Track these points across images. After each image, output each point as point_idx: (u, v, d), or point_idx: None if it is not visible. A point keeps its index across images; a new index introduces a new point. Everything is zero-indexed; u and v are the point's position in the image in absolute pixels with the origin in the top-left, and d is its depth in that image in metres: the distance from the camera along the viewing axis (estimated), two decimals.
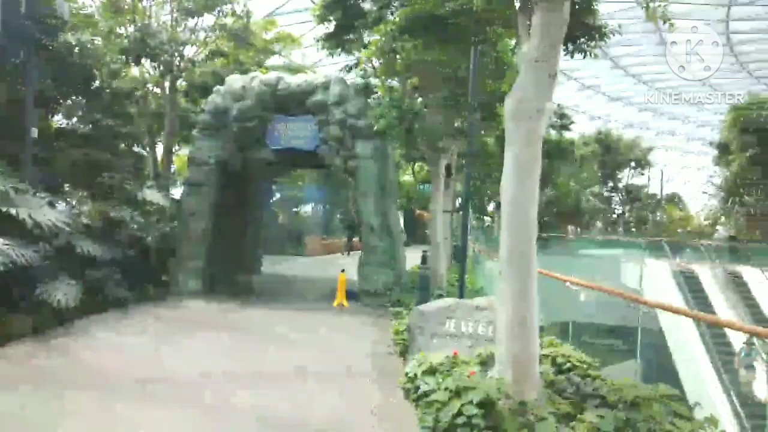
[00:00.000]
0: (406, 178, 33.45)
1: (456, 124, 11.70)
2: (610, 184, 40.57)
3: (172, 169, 22.43)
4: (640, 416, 4.55)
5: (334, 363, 7.86)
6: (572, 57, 5.89)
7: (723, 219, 42.63)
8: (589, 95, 49.85)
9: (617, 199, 41.81)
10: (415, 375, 6.12)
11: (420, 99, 12.54)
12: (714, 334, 15.32)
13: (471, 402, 4.68)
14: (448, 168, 13.95)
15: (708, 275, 20.29)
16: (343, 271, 13.33)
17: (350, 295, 12.93)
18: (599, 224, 43.13)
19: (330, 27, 12.56)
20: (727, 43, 37.80)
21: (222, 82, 14.91)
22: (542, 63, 4.93)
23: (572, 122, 33.11)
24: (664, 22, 4.94)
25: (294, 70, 19.51)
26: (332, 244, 28.45)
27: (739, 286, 18.92)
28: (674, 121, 59.07)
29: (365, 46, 11.55)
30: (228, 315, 11.28)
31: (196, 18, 17.31)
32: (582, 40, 5.72)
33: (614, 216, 42.84)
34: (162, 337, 9.03)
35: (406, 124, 10.77)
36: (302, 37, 21.61)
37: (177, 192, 19.61)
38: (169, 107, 17.25)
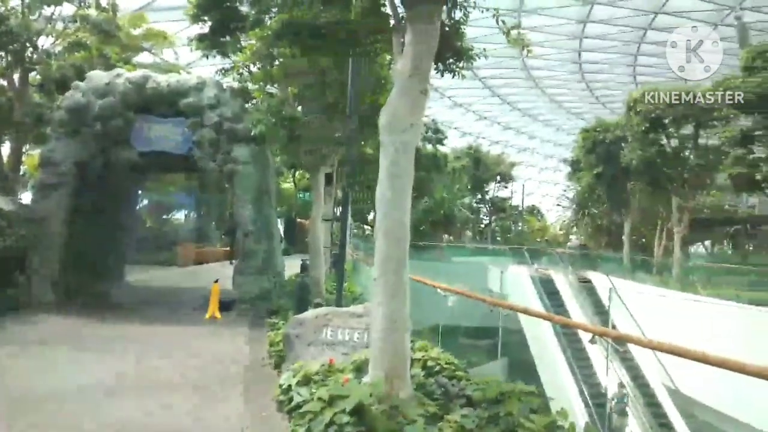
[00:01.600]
0: (287, 185, 33.04)
1: (337, 134, 11.84)
2: (479, 195, 43.29)
3: (22, 171, 20.15)
4: (502, 413, 4.89)
5: (203, 379, 7.49)
6: (443, 75, 6.25)
7: (575, 229, 47.39)
8: (461, 112, 52.94)
9: (485, 209, 44.71)
10: (290, 386, 6.05)
11: (300, 107, 12.51)
12: (567, 333, 16.92)
13: (344, 410, 4.72)
14: (328, 176, 14.04)
15: (562, 279, 22.36)
16: (216, 281, 12.80)
17: (225, 306, 12.45)
18: (469, 233, 45.82)
19: (205, 27, 12.12)
20: (579, 71, 42.31)
21: (83, 77, 13.71)
22: (414, 79, 5.18)
23: (445, 137, 35.00)
24: (523, 48, 5.41)
25: (165, 69, 18.47)
26: (207, 252, 27.18)
27: (587, 290, 21.10)
28: (534, 140, 64.74)
29: (242, 50, 11.30)
30: (84, 329, 10.31)
31: (53, 7, 15.78)
32: (451, 60, 6.08)
33: (482, 226, 45.74)
34: None
35: (285, 131, 10.68)
36: (175, 35, 20.56)
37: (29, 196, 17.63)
38: (18, 102, 15.49)
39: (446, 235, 39.60)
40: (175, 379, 7.34)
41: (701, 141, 22.19)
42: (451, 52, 6.06)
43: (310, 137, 10.88)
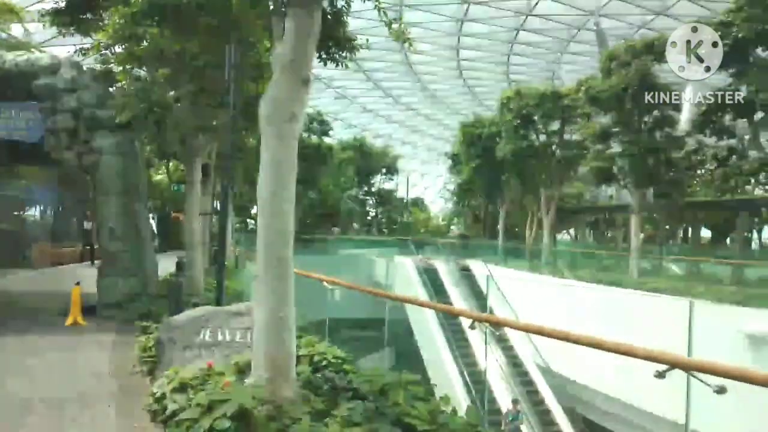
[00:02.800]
0: (160, 177, 30.99)
1: (215, 122, 11.18)
2: (365, 187, 43.74)
3: None
4: (388, 403, 4.87)
5: (65, 392, 6.71)
6: (325, 65, 6.09)
7: (456, 220, 49.68)
8: (346, 104, 53.02)
9: (371, 201, 45.30)
10: (164, 394, 5.59)
11: (173, 92, 11.64)
12: (449, 320, 17.59)
13: (224, 415, 4.43)
14: (206, 168, 13.28)
15: (444, 268, 23.26)
16: (78, 283, 11.57)
17: (88, 311, 11.30)
18: (356, 225, 46.23)
19: (61, 2, 10.84)
20: (458, 68, 44.14)
21: None
22: (295, 67, 4.96)
23: (331, 128, 34.92)
24: (404, 42, 5.40)
25: (12, 46, 16.36)
26: (66, 253, 24.65)
27: (467, 277, 22.14)
28: (416, 134, 66.71)
29: (104, 29, 10.25)
30: None
31: None
32: (333, 49, 5.93)
33: (369, 217, 46.34)
34: None
35: (154, 117, 9.86)
36: (24, 10, 18.26)
37: None
38: None
39: (336, 228, 39.59)
40: (31, 397, 6.50)
41: (566, 137, 24.21)
42: (334, 41, 5.91)
43: (184, 125, 10.18)
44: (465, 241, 33.18)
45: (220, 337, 6.81)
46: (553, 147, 24.31)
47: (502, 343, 17.27)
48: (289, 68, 4.96)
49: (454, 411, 4.89)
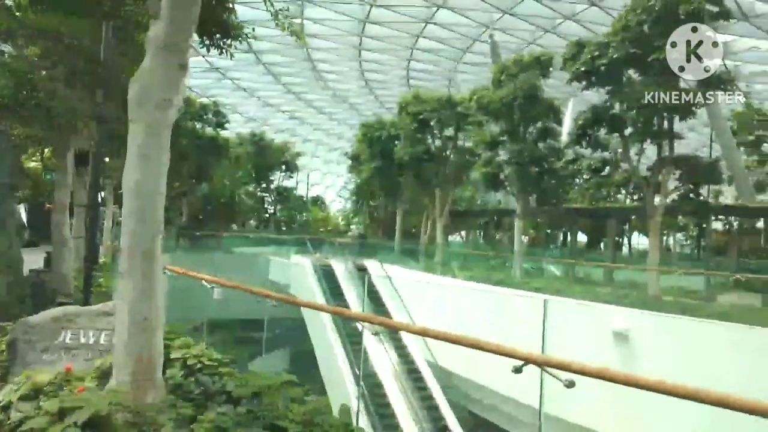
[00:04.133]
0: (34, 164, 28.22)
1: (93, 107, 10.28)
2: (263, 184, 42.69)
3: None
4: (262, 406, 4.71)
5: None
6: (208, 51, 5.78)
7: (355, 219, 49.95)
8: (244, 96, 51.43)
9: (269, 199, 44.28)
10: (10, 402, 5.01)
11: (45, 72, 10.58)
12: (343, 319, 17.56)
13: (75, 423, 4.04)
14: (82, 156, 12.21)
15: (342, 268, 23.22)
16: None
17: None
18: (253, 222, 44.96)
19: None
20: (360, 68, 44.43)
21: None
22: (171, 50, 4.65)
23: (227, 121, 33.62)
24: (292, 35, 5.26)
25: None
26: None
27: (364, 277, 22.24)
28: (318, 132, 66.29)
29: None
30: None
31: None
32: (218, 35, 5.65)
33: (267, 215, 45.28)
34: None
35: (22, 96, 8.88)
36: None
37: None
38: None
39: (234, 225, 38.25)
40: None
41: (460, 143, 25.19)
42: (218, 26, 5.62)
43: (55, 109, 9.27)
44: (363, 240, 33.39)
45: (83, 339, 6.25)
46: (448, 152, 25.18)
47: (396, 341, 17.56)
48: (163, 51, 4.64)
49: (329, 410, 4.83)
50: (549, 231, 33.26)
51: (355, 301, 20.41)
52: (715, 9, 14.64)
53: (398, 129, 26.66)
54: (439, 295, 17.79)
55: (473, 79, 40.48)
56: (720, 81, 15.80)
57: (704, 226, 29.30)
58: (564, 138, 20.32)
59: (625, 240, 34.95)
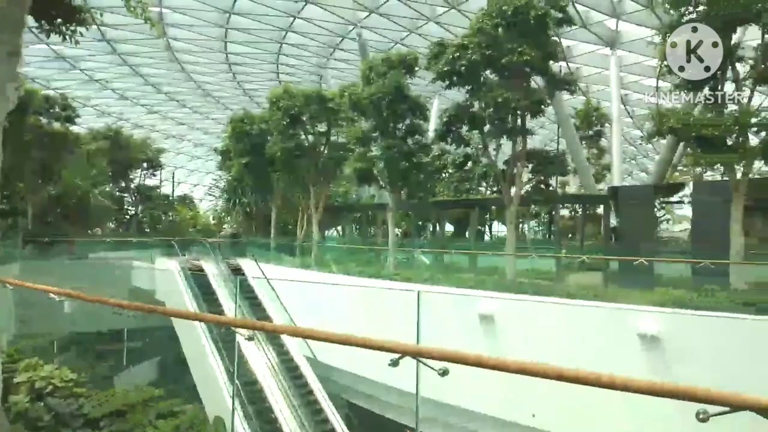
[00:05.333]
0: None
1: None
2: (122, 183, 39.46)
3: None
4: (127, 426, 4.39)
5: None
6: (48, 36, 5.21)
7: (227, 218, 48.03)
8: (98, 88, 47.16)
9: (130, 199, 41.06)
10: None
11: None
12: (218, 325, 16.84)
13: None
14: None
15: (214, 270, 22.22)
16: None
17: None
18: (112, 225, 41.40)
19: None
20: (227, 61, 42.73)
21: None
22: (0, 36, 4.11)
23: (77, 115, 30.52)
24: (148, 23, 4.91)
25: None
26: None
27: (239, 277, 21.45)
28: (182, 127, 62.73)
29: None
30: None
31: None
32: (59, 20, 5.11)
33: (127, 216, 41.94)
34: None
35: None
36: None
37: None
38: None
39: (91, 229, 34.81)
40: None
41: (333, 138, 25.29)
42: (60, 10, 5.08)
43: None
44: (236, 239, 32.30)
45: None
46: (321, 147, 25.17)
47: (274, 341, 17.24)
48: None
49: (200, 421, 4.63)
50: (419, 223, 34.65)
51: (229, 303, 19.66)
52: (560, 15, 16.14)
53: (269, 124, 26.09)
54: (318, 292, 17.77)
55: (342, 75, 40.85)
56: (564, 82, 17.51)
57: (553, 213, 32.46)
58: (430, 134, 21.25)
59: (487, 228, 37.53)
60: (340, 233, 42.87)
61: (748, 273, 13.10)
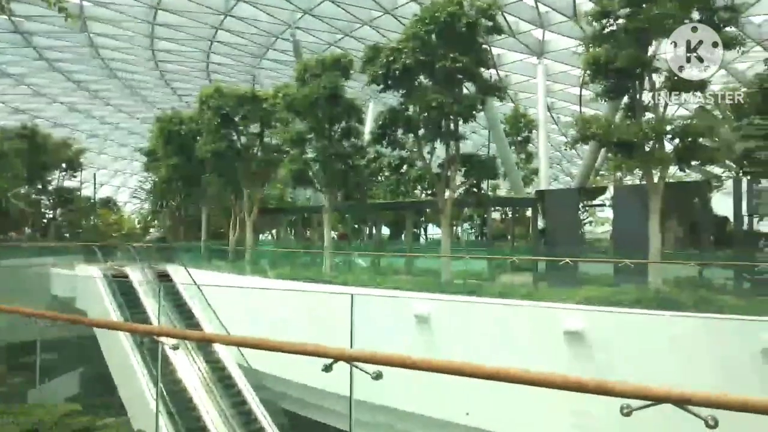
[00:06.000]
0: None
1: None
2: (39, 185, 36.98)
3: None
4: None
5: None
6: None
7: (155, 221, 46.07)
8: (10, 84, 44.09)
9: (48, 202, 38.55)
10: None
11: None
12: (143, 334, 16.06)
13: None
14: None
15: (139, 276, 21.26)
16: None
17: None
18: (28, 230, 38.73)
19: None
20: (154, 58, 41.05)
21: None
22: None
23: None
24: (59, 11, 4.60)
25: None
26: None
27: (165, 284, 20.63)
28: (105, 126, 59.68)
29: None
30: None
31: None
32: None
33: (45, 220, 39.35)
34: None
35: None
36: None
37: None
38: None
39: (12, 234, 32.33)
40: None
41: (267, 140, 24.82)
42: None
43: None
44: (164, 244, 31.11)
45: None
46: (255, 149, 24.65)
47: (205, 349, 16.70)
48: None
49: None
50: (356, 226, 34.64)
51: (155, 311, 18.87)
52: (490, 24, 16.61)
53: (199, 124, 25.27)
54: (251, 297, 17.37)
55: (276, 76, 40.25)
56: (494, 89, 18.02)
57: (485, 216, 33.37)
58: (366, 137, 21.30)
59: (423, 231, 38.05)
60: (275, 237, 42.16)
61: (664, 271, 13.97)
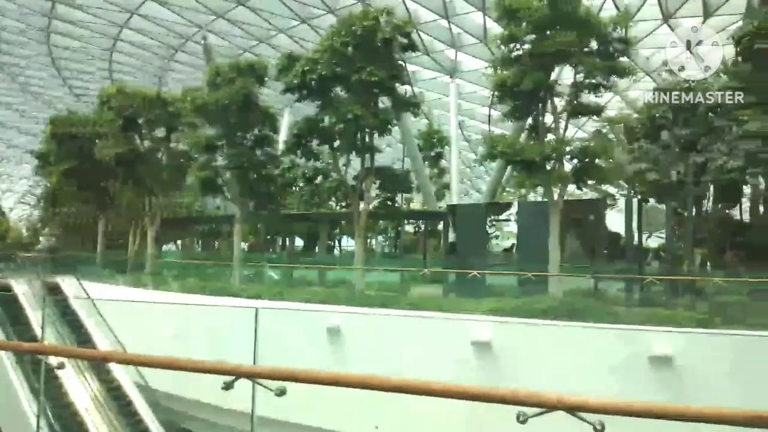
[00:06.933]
0: None
1: None
2: None
3: None
4: None
5: None
6: None
7: (46, 230, 42.41)
8: None
9: None
10: None
11: None
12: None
13: None
14: None
15: (25, 288, 19.42)
16: None
17: None
18: None
19: None
20: (50, 54, 38.12)
21: None
22: None
23: None
24: None
25: None
26: None
27: (56, 298, 18.98)
28: None
29: None
30: None
31: None
32: None
33: None
34: None
35: None
36: None
37: None
38: None
39: None
40: None
41: (173, 145, 23.65)
42: None
43: None
44: (56, 254, 28.70)
45: None
46: (160, 154, 23.43)
47: (99, 368, 15.51)
48: None
49: None
50: (268, 236, 33.83)
51: (47, 327, 17.29)
52: (405, 41, 16.96)
53: (99, 126, 23.64)
54: (152, 312, 16.37)
55: (185, 79, 38.69)
56: (409, 104, 18.39)
57: (399, 228, 33.84)
58: (281, 146, 20.92)
59: (337, 243, 37.91)
60: (180, 247, 40.25)
61: (563, 283, 14.78)
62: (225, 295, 17.05)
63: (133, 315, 16.44)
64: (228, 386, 3.06)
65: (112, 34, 34.35)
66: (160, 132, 23.13)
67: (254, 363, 9.27)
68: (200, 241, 39.21)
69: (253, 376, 3.06)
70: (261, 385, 3.09)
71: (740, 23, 16.36)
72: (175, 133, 23.09)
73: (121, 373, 15.49)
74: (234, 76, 18.76)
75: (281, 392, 3.03)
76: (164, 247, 32.23)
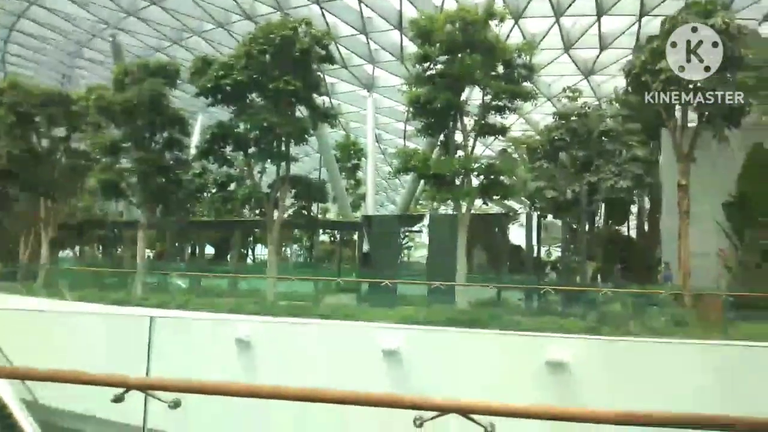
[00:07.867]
0: None
1: None
2: None
3: None
4: None
5: None
6: None
7: None
8: None
9: None
10: None
11: None
12: None
13: None
14: None
15: None
16: None
17: None
18: None
19: None
20: None
21: None
22: None
23: None
24: None
25: None
26: None
27: None
28: None
29: None
30: None
31: None
32: None
33: None
34: None
35: None
36: None
37: None
38: None
39: None
40: None
41: (74, 145, 22.21)
42: None
43: None
44: None
45: None
46: (59, 155, 21.92)
47: None
48: None
49: None
50: (177, 244, 32.46)
51: None
52: (323, 52, 17.13)
53: None
54: (41, 322, 15.22)
55: (90, 76, 36.52)
56: (326, 115, 18.54)
57: (314, 238, 33.72)
58: (192, 151, 20.30)
59: (250, 251, 37.05)
60: (78, 254, 37.60)
61: (469, 293, 15.46)
62: (125, 306, 16.21)
63: (21, 326, 15.21)
64: (118, 399, 3.01)
65: (6, 23, 31.78)
66: (59, 131, 21.65)
67: (147, 374, 8.97)
68: (101, 248, 36.85)
69: (143, 387, 3.01)
70: (154, 397, 3.05)
71: (630, 57, 18.01)
72: (76, 132, 21.70)
73: (6, 390, 14.27)
74: (143, 76, 18.03)
75: (175, 404, 3.02)
76: (61, 254, 30.04)
